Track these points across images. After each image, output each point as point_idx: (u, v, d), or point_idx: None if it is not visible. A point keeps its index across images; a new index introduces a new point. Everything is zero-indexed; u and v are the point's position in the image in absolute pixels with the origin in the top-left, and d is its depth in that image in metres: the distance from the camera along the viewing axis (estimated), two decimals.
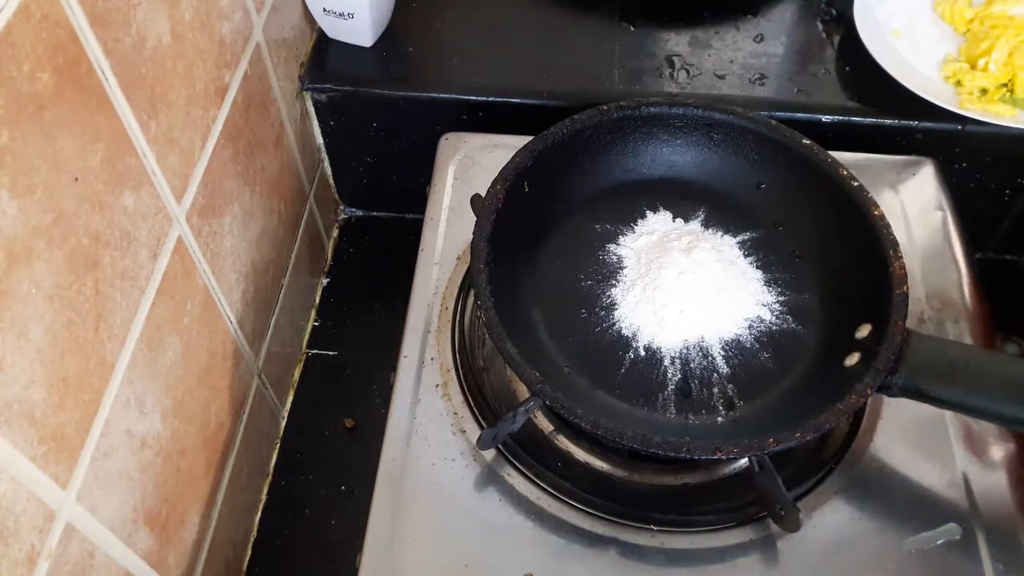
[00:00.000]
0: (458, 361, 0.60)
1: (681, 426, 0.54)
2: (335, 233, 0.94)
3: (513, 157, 0.58)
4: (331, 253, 0.92)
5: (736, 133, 0.61)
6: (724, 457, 0.47)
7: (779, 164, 0.61)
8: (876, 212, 0.55)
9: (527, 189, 0.59)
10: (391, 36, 0.82)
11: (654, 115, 0.62)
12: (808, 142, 0.59)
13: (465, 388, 0.58)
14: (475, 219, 0.56)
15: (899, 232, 0.55)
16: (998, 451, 0.56)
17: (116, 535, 0.49)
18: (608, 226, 0.63)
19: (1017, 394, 0.47)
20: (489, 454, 0.56)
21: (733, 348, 0.57)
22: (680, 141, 0.63)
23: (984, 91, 0.74)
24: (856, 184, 0.57)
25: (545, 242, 0.62)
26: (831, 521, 0.53)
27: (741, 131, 0.61)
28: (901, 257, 0.53)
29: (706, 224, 0.64)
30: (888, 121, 0.76)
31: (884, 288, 0.52)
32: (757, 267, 0.61)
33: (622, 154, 0.64)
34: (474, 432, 0.56)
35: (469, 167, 0.70)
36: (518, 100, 0.77)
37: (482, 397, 0.58)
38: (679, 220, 0.64)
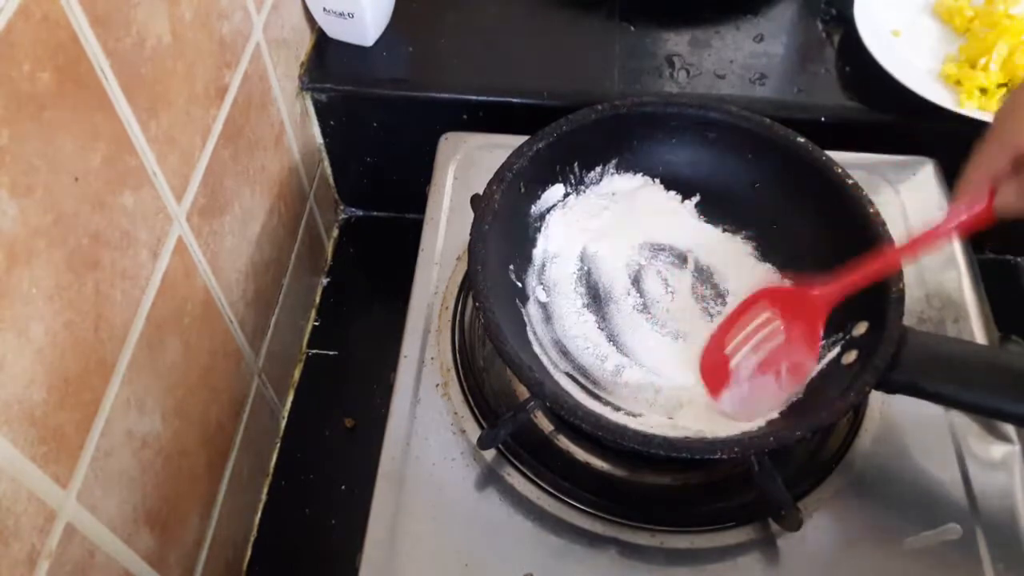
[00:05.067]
0: (458, 361, 0.60)
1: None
2: (335, 233, 0.94)
3: (508, 158, 0.58)
4: (331, 253, 0.92)
5: (731, 132, 0.61)
6: (724, 457, 0.47)
7: (774, 163, 0.61)
8: (871, 210, 0.55)
9: (522, 190, 0.59)
10: (391, 36, 0.82)
11: (649, 114, 0.62)
12: (803, 140, 0.59)
13: (465, 388, 0.58)
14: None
15: (899, 232, 0.55)
16: (998, 451, 0.56)
17: (116, 535, 0.49)
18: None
19: (1015, 389, 0.48)
20: (489, 454, 0.56)
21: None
22: (675, 140, 0.63)
23: (984, 91, 0.74)
24: (851, 182, 0.57)
25: (543, 242, 0.62)
26: (831, 521, 0.53)
27: (736, 130, 0.61)
28: None
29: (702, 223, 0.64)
30: (888, 121, 0.76)
31: (880, 285, 0.52)
32: None
33: (617, 153, 0.64)
34: (474, 432, 0.56)
35: (469, 167, 0.70)
36: (518, 100, 0.78)
37: (482, 397, 0.58)
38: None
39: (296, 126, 0.78)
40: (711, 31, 0.83)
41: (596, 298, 0.60)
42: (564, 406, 0.48)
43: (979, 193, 0.46)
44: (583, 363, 0.57)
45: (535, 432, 0.57)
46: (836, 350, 0.54)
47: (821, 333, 0.53)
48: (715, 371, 0.55)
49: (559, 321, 0.59)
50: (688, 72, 0.80)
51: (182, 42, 0.54)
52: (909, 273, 0.52)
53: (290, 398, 0.81)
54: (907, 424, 0.57)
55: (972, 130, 0.71)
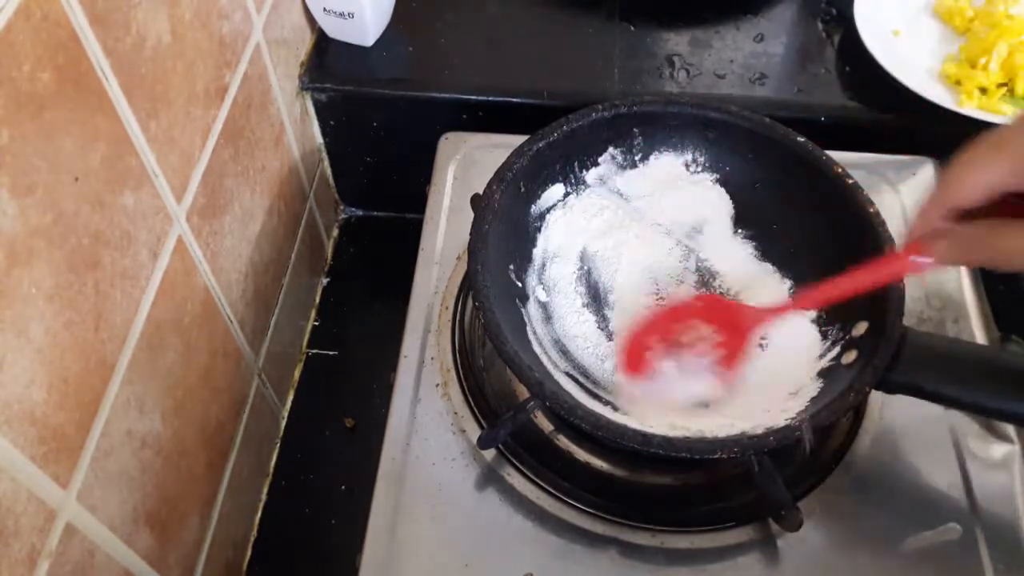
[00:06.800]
0: (458, 361, 0.60)
1: None
2: (335, 233, 0.94)
3: (508, 158, 0.58)
4: (331, 253, 0.92)
5: (731, 132, 0.61)
6: (724, 457, 0.47)
7: (774, 162, 0.61)
8: (871, 209, 0.55)
9: (522, 190, 0.59)
10: (391, 36, 0.82)
11: (648, 114, 0.62)
12: (803, 140, 0.59)
13: (465, 388, 0.58)
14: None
15: (899, 232, 0.55)
16: (998, 451, 0.56)
17: (116, 535, 0.49)
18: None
19: (1015, 389, 0.48)
20: (489, 454, 0.56)
21: None
22: (675, 140, 0.63)
23: (984, 91, 0.74)
24: (851, 182, 0.57)
25: (543, 242, 0.62)
26: (831, 521, 0.53)
27: (736, 130, 0.61)
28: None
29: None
30: (888, 121, 0.76)
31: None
32: None
33: (617, 153, 0.64)
34: (474, 432, 0.56)
35: (469, 167, 0.70)
36: (518, 100, 0.77)
37: (482, 397, 0.58)
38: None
39: (296, 126, 0.78)
40: (711, 31, 0.83)
41: (596, 298, 0.61)
42: (564, 406, 0.48)
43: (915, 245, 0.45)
44: (583, 363, 0.57)
45: (535, 432, 0.57)
46: (836, 350, 0.54)
47: (745, 348, 0.54)
48: (635, 356, 0.56)
49: (559, 321, 0.59)
50: (688, 72, 0.80)
51: (182, 42, 0.54)
52: None
53: (290, 398, 0.81)
54: (907, 424, 0.57)
55: (972, 130, 0.72)
